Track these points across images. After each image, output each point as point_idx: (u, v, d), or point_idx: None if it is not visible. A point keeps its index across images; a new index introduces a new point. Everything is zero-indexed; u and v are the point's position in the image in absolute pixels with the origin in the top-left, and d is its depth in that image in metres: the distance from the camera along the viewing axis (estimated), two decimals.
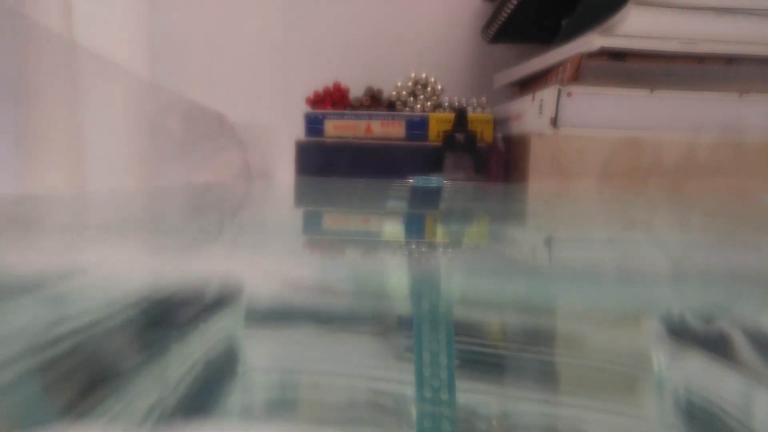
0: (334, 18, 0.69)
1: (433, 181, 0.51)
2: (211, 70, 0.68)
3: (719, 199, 0.48)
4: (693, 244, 0.29)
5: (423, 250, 0.26)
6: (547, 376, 0.26)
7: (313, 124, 0.56)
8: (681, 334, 0.23)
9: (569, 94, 0.48)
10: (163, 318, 0.24)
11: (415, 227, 0.33)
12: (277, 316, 0.26)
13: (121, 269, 0.22)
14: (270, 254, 0.24)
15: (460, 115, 0.53)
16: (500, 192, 0.53)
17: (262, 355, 0.27)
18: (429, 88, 0.57)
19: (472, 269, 0.23)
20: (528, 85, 0.60)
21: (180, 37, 0.67)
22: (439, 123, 0.55)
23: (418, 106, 0.57)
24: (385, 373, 0.25)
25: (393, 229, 0.32)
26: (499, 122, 0.58)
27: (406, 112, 0.57)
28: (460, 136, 0.52)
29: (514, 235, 0.31)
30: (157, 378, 0.22)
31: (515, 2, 0.60)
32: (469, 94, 0.58)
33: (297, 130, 0.56)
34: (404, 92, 0.57)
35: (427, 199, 0.46)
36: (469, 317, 0.25)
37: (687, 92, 0.48)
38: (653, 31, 0.48)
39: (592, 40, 0.47)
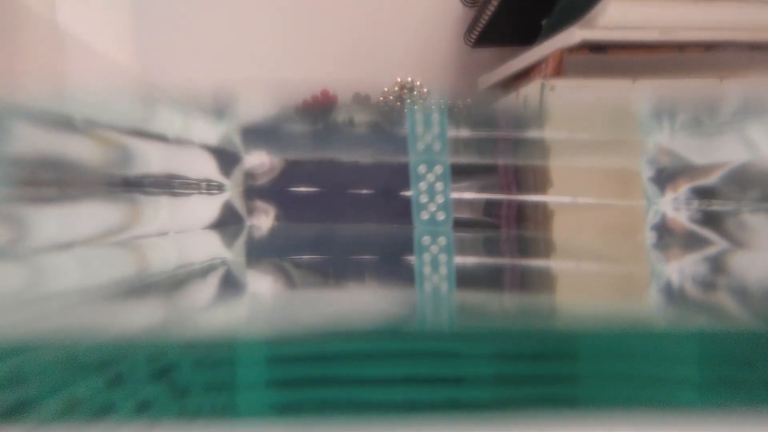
0: (320, 30, 0.70)
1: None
2: (198, 81, 0.68)
3: None
4: None
5: None
6: None
7: None
8: None
9: (552, 88, 0.49)
10: None
11: None
12: None
13: None
14: None
15: None
16: None
17: None
18: (415, 92, 0.58)
19: None
20: (512, 84, 0.61)
21: (166, 43, 0.68)
22: None
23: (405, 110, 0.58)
24: None
25: None
26: None
27: None
28: None
29: None
30: None
31: (494, 6, 0.61)
32: (454, 97, 0.59)
33: None
34: (391, 97, 0.58)
35: None
36: None
37: (669, 80, 0.49)
38: (633, 22, 0.49)
39: (573, 34, 0.48)
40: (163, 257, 0.37)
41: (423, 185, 0.38)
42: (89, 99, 0.34)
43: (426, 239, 0.38)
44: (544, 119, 0.42)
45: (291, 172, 0.39)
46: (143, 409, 0.21)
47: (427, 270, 0.36)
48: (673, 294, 0.34)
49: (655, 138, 0.38)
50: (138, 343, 0.22)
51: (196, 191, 0.39)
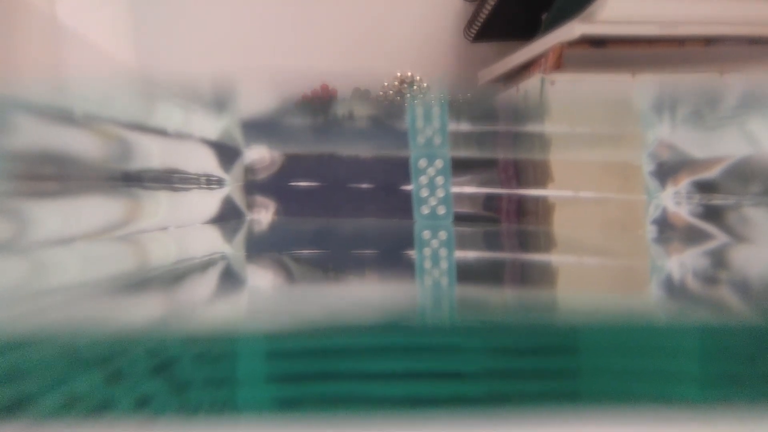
0: (320, 24, 0.70)
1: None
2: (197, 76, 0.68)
3: None
4: None
5: None
6: None
7: None
8: None
9: (552, 83, 0.49)
10: None
11: None
12: None
13: None
14: None
15: None
16: None
17: None
18: (415, 87, 0.58)
19: None
20: (512, 79, 0.61)
21: (165, 38, 0.68)
22: None
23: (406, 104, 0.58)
24: None
25: None
26: None
27: None
28: None
29: None
30: None
31: (494, 1, 0.61)
32: (455, 92, 0.59)
33: None
34: (391, 92, 0.58)
35: None
36: None
37: (669, 75, 0.49)
38: (633, 16, 0.48)
39: (573, 28, 0.48)
40: (164, 252, 0.37)
41: (423, 179, 0.38)
42: (89, 93, 0.34)
43: (426, 234, 0.38)
44: (545, 113, 0.42)
45: (291, 166, 0.39)
46: (143, 404, 0.21)
47: (427, 264, 0.36)
48: (673, 288, 0.34)
49: (656, 132, 0.38)
50: (138, 338, 0.22)
51: (195, 186, 0.39)
